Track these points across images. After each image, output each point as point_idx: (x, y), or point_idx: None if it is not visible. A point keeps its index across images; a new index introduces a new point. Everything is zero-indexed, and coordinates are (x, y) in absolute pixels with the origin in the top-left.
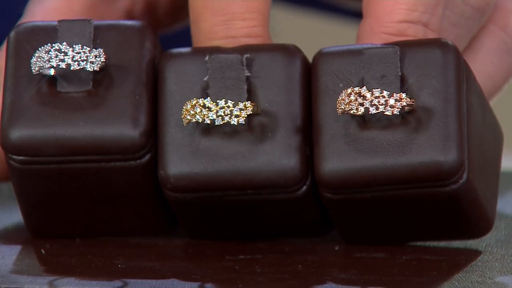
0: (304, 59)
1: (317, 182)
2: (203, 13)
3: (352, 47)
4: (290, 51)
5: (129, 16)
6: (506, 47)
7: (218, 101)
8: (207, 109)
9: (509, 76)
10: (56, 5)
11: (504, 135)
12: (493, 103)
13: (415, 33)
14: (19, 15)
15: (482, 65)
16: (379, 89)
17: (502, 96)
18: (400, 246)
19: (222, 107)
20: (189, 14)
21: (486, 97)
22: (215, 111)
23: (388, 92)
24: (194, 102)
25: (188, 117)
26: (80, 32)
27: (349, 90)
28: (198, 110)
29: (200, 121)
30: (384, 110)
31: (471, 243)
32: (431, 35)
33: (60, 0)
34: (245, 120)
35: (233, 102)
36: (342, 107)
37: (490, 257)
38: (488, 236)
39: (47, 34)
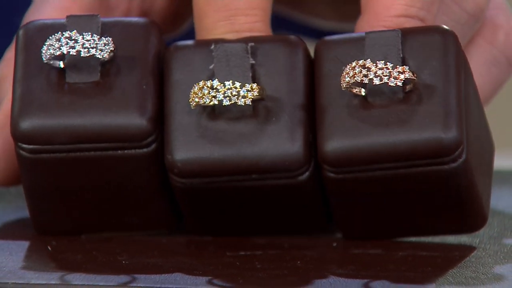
0: (306, 50)
1: (320, 161)
2: (206, 10)
3: (353, 34)
4: (292, 41)
5: None
6: (494, 60)
7: (225, 82)
8: (214, 90)
9: (496, 88)
10: (54, 15)
11: (496, 133)
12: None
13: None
14: (16, 25)
15: None
16: (383, 61)
17: (499, 97)
18: (396, 242)
19: (230, 88)
20: (186, 20)
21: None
22: (222, 92)
23: (392, 64)
24: (202, 84)
25: (196, 99)
26: (88, 26)
27: (353, 64)
28: (206, 91)
29: (208, 102)
30: (388, 81)
31: (464, 240)
32: None
33: (58, 10)
34: (251, 102)
35: (240, 84)
36: (347, 79)
37: (484, 253)
38: (481, 232)
39: (56, 30)
